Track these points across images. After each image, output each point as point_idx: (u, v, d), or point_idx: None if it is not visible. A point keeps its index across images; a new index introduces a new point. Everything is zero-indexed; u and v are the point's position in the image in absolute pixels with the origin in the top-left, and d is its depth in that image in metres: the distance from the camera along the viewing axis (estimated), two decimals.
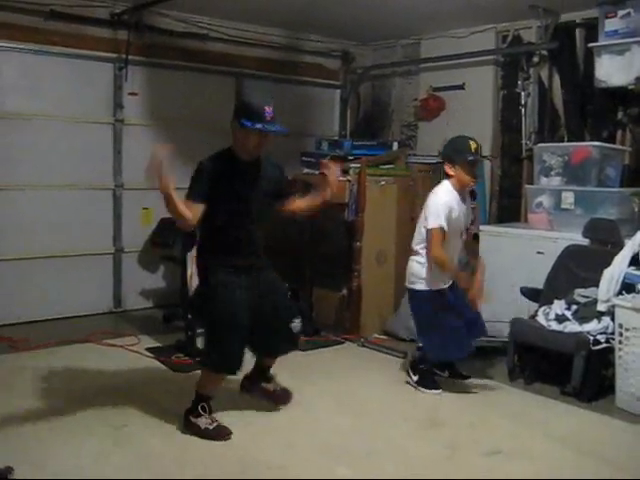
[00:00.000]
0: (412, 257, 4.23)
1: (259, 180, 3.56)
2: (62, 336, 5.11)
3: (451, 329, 4.12)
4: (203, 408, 3.51)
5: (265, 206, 3.61)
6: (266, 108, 3.42)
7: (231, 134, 3.61)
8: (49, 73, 5.56)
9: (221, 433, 3.46)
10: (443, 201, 4.05)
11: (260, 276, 3.60)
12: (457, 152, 4.10)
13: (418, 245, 4.20)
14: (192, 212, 3.39)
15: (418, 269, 4.17)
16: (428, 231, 4.03)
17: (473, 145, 4.08)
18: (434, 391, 4.24)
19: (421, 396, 4.22)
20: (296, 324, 3.74)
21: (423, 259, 4.14)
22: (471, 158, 4.06)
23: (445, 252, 4.05)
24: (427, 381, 4.29)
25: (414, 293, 4.23)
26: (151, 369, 4.57)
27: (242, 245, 3.53)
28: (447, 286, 4.19)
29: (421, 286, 4.16)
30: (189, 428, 3.50)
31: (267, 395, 3.93)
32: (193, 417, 3.52)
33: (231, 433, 3.47)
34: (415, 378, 4.31)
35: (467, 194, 4.30)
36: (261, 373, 3.94)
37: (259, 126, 3.40)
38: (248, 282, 3.51)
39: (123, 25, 5.72)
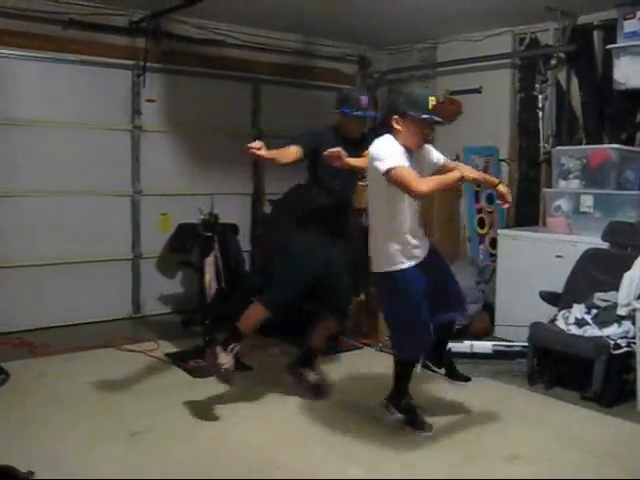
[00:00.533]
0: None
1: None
2: (81, 341, 5.15)
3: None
4: (226, 344, 3.88)
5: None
6: (362, 98, 3.97)
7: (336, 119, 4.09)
8: (68, 81, 5.62)
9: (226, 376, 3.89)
10: (393, 147, 3.40)
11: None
12: (410, 105, 3.41)
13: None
14: (289, 151, 3.76)
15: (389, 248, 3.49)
16: (388, 176, 3.28)
17: (432, 102, 3.39)
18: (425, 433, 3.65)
19: (438, 400, 4.18)
20: None
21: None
22: (425, 117, 3.37)
23: (401, 222, 3.44)
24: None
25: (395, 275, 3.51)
26: (170, 374, 4.59)
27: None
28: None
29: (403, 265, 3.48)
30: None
31: (303, 383, 4.15)
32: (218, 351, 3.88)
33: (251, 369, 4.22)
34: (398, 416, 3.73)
35: (421, 159, 3.55)
36: (308, 357, 4.20)
37: (358, 113, 3.94)
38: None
39: (141, 32, 5.78)
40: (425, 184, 3.24)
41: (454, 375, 3.92)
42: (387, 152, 3.33)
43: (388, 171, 3.26)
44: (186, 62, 6.13)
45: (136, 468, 3.19)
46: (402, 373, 3.71)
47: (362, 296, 5.46)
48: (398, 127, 3.43)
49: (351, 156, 3.79)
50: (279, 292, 3.91)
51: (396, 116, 3.44)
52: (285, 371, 4.25)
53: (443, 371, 3.87)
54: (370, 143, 3.61)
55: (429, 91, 3.63)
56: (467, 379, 3.95)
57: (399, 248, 3.43)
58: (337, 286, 4.04)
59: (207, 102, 6.31)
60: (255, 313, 3.93)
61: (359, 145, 3.89)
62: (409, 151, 3.43)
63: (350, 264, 4.12)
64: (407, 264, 3.44)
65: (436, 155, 3.67)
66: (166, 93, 6.10)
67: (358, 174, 4.00)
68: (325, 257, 3.94)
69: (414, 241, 3.47)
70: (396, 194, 3.33)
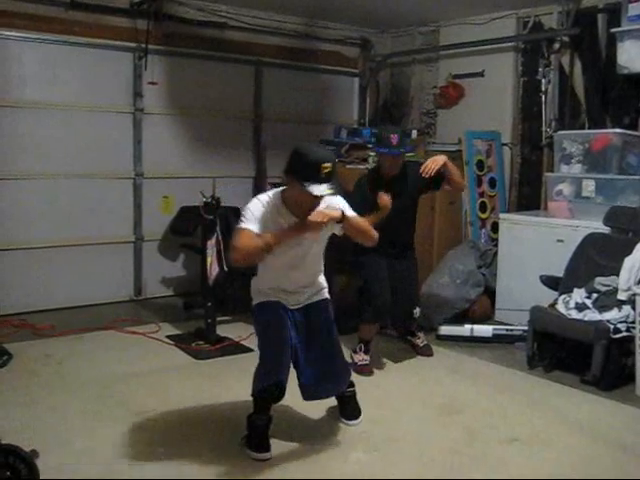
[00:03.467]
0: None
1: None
2: (84, 324, 5.18)
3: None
4: (360, 348, 4.43)
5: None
6: (392, 136, 4.18)
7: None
8: (69, 63, 5.60)
9: (363, 370, 4.30)
10: (256, 207, 3.11)
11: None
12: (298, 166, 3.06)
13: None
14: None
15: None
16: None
17: (325, 168, 2.96)
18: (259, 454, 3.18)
19: (439, 383, 4.22)
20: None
21: None
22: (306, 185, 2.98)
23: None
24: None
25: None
26: (171, 356, 4.62)
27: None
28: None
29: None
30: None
31: (412, 346, 4.78)
32: (353, 353, 4.42)
33: (372, 373, 4.32)
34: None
35: None
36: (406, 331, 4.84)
37: (388, 150, 4.21)
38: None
39: (143, 14, 5.75)
40: (236, 252, 2.98)
41: (346, 414, 3.60)
42: (246, 210, 3.07)
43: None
44: (188, 44, 6.11)
45: (139, 448, 3.22)
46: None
47: (362, 282, 5.41)
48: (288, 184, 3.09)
49: (392, 191, 4.10)
50: (379, 302, 4.34)
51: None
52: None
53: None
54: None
55: (325, 153, 3.09)
56: (355, 417, 3.59)
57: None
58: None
59: (209, 85, 6.30)
60: (368, 327, 4.48)
61: (399, 181, 4.32)
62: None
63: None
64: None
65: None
66: (168, 75, 6.08)
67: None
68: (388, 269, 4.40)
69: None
70: None
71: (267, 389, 3.15)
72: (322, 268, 3.40)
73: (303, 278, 3.29)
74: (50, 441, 3.20)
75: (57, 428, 3.39)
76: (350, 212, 3.22)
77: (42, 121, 5.51)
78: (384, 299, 4.34)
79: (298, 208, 3.06)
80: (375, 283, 4.36)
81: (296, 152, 3.02)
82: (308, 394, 3.30)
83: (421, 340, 4.80)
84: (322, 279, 3.41)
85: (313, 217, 2.99)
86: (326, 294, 3.42)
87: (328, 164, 2.96)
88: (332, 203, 3.17)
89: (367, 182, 4.35)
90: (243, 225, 3.02)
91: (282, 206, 3.10)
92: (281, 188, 3.15)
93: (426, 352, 4.76)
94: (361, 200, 3.96)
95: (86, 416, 3.56)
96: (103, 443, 3.26)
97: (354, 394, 3.63)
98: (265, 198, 3.12)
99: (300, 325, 3.28)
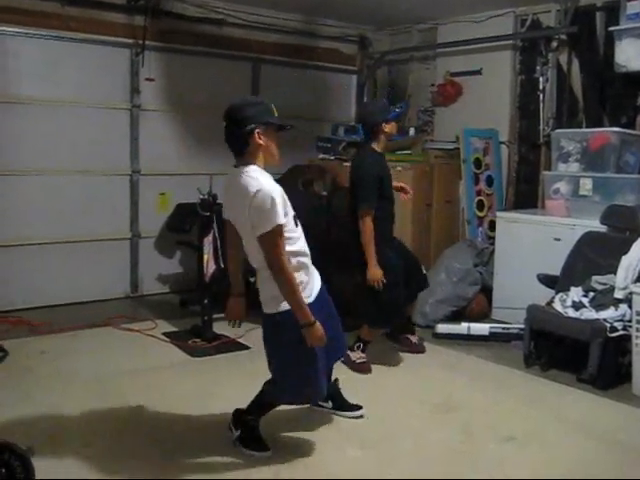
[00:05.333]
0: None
1: None
2: (80, 320, 5.17)
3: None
4: (359, 346, 4.38)
5: None
6: (384, 100, 4.54)
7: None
8: (66, 59, 5.58)
9: (363, 368, 4.30)
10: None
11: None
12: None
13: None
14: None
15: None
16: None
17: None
18: (261, 453, 3.17)
19: (436, 381, 4.22)
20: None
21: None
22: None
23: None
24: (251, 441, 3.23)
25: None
26: (168, 353, 4.61)
27: None
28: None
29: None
30: (346, 360, 4.22)
31: (409, 345, 4.73)
32: (350, 351, 4.27)
33: (370, 371, 4.30)
34: (237, 433, 3.23)
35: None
36: (406, 325, 4.78)
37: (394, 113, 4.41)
38: None
39: (140, 10, 5.73)
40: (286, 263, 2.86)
41: (343, 407, 3.62)
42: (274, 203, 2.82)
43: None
44: (185, 41, 6.09)
45: (136, 446, 3.22)
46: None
47: (359, 279, 5.40)
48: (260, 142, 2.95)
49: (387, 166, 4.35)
50: (389, 316, 4.35)
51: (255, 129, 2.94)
52: (390, 339, 4.80)
53: (330, 404, 3.60)
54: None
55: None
56: (358, 408, 3.62)
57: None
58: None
59: (206, 81, 6.28)
60: (371, 331, 4.44)
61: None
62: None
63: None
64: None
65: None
66: (165, 72, 6.06)
67: None
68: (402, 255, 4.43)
69: None
70: None
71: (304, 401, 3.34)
72: None
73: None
74: (46, 438, 3.19)
75: (53, 425, 3.39)
76: None
77: (38, 117, 5.49)
78: (400, 304, 4.35)
79: (272, 158, 3.02)
80: (396, 289, 4.21)
81: (239, 106, 2.97)
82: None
83: (416, 337, 4.81)
84: None
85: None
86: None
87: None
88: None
89: (376, 164, 4.28)
90: (281, 221, 2.81)
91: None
92: (250, 166, 2.92)
93: (420, 349, 4.75)
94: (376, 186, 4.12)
95: (82, 413, 3.54)
96: (99, 440, 3.25)
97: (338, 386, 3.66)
98: (263, 177, 2.91)
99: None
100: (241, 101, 3.03)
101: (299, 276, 2.95)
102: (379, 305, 4.22)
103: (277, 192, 2.86)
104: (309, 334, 2.87)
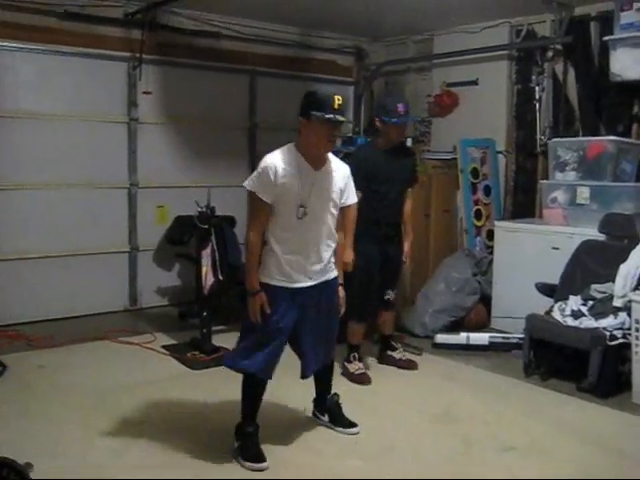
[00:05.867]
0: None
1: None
2: (79, 334, 5.16)
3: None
4: (354, 357, 4.39)
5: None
6: (399, 105, 4.18)
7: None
8: (64, 73, 5.60)
9: (363, 379, 4.27)
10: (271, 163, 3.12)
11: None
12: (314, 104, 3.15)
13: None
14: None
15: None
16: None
17: (338, 100, 3.10)
18: (259, 465, 3.15)
19: (436, 391, 4.21)
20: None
21: None
22: (329, 116, 3.07)
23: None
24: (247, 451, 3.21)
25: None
26: (167, 366, 4.60)
27: None
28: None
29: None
30: (344, 372, 4.33)
31: (395, 363, 4.62)
32: (347, 363, 4.37)
33: (370, 382, 4.26)
34: (236, 445, 3.26)
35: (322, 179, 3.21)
36: (385, 344, 4.71)
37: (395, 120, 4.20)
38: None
39: (137, 24, 5.76)
40: (253, 234, 3.12)
41: (338, 422, 3.59)
42: (260, 170, 3.11)
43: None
44: (182, 54, 6.12)
45: (135, 460, 3.20)
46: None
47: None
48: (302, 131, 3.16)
49: (392, 165, 4.26)
50: (364, 305, 4.30)
51: (301, 118, 3.15)
52: (381, 362, 4.70)
53: (326, 418, 3.61)
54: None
55: (334, 89, 3.29)
56: (353, 425, 3.57)
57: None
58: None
59: (203, 94, 6.30)
60: (356, 330, 4.43)
61: (399, 153, 4.35)
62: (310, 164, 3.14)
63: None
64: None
65: (347, 189, 3.35)
66: (162, 85, 6.08)
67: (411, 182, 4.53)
68: (381, 257, 4.36)
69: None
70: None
71: (256, 380, 3.25)
72: (335, 241, 3.33)
73: (318, 250, 3.22)
74: (44, 452, 3.17)
75: (51, 439, 3.37)
76: (353, 199, 3.42)
77: (36, 131, 5.50)
78: (371, 301, 4.33)
79: (313, 149, 3.14)
80: (367, 283, 4.25)
81: (308, 93, 3.20)
82: (307, 373, 3.37)
83: (400, 353, 4.67)
84: (332, 255, 3.33)
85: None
86: (336, 271, 3.38)
87: (339, 96, 3.11)
88: (346, 171, 3.34)
89: (367, 155, 4.33)
90: (260, 195, 3.08)
91: (296, 152, 3.15)
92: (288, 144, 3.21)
93: (409, 365, 4.61)
94: (360, 177, 3.90)
95: (81, 427, 3.53)
96: (98, 454, 3.24)
97: (338, 401, 3.63)
98: (278, 152, 3.16)
99: (309, 306, 3.23)
100: (307, 91, 3.23)
101: (265, 258, 3.17)
102: (353, 293, 3.98)
103: (270, 165, 3.07)
104: (249, 302, 3.12)
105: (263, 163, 3.11)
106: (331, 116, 3.04)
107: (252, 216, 3.18)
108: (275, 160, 3.10)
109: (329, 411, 3.61)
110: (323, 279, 3.27)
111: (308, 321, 3.24)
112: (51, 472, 2.97)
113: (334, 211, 3.26)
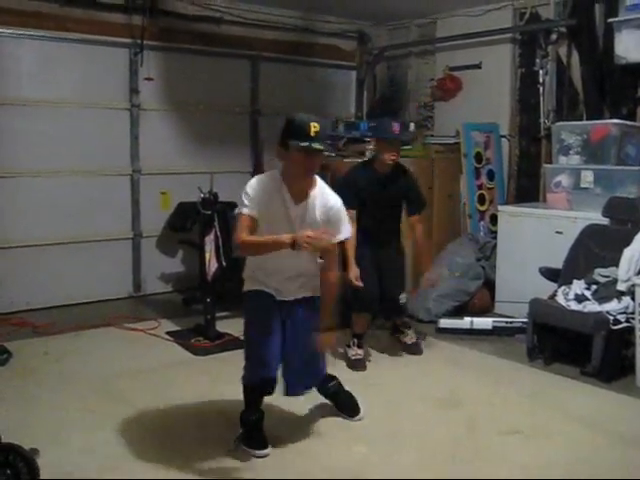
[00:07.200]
0: None
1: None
2: (83, 321, 5.18)
3: None
4: (354, 342, 4.42)
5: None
6: (394, 124, 4.28)
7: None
8: (65, 59, 5.58)
9: (356, 365, 4.31)
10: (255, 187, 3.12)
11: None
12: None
13: None
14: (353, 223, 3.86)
15: None
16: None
17: (314, 127, 2.99)
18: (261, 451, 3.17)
19: (440, 376, 4.22)
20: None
21: None
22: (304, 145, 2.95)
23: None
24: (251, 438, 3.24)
25: None
26: (171, 352, 4.62)
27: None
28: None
29: None
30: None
31: (401, 345, 4.69)
32: (347, 347, 4.43)
33: (365, 369, 4.31)
34: (240, 431, 3.27)
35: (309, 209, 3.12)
36: (394, 327, 4.80)
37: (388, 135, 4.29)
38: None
39: (138, 10, 5.72)
40: (243, 236, 3.02)
41: (343, 407, 3.59)
42: (244, 192, 3.08)
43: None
44: (184, 40, 6.09)
45: (139, 446, 3.21)
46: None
47: None
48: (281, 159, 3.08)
49: (386, 183, 4.32)
50: (362, 297, 4.33)
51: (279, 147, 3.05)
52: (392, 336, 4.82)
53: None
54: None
55: (312, 116, 3.08)
56: (357, 411, 3.57)
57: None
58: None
59: (206, 80, 6.27)
60: (356, 320, 4.47)
61: (393, 176, 4.35)
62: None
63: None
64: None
65: (333, 224, 3.14)
66: (164, 71, 6.06)
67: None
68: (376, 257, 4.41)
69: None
70: None
71: (259, 385, 3.18)
72: (317, 259, 3.27)
73: (298, 265, 3.16)
74: (50, 439, 3.19)
75: (57, 426, 3.39)
76: (342, 235, 3.22)
77: (38, 118, 5.49)
78: (370, 290, 4.28)
79: (295, 178, 3.05)
80: (362, 275, 4.25)
81: (286, 120, 3.07)
82: (290, 390, 3.27)
83: (409, 337, 4.69)
84: (317, 272, 3.26)
85: (306, 238, 2.85)
86: (318, 290, 3.27)
87: (316, 124, 2.98)
88: (329, 202, 3.13)
89: (360, 176, 4.36)
90: (245, 210, 3.04)
91: (281, 182, 3.07)
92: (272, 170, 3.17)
93: (414, 350, 4.63)
94: (351, 196, 4.00)
95: (86, 413, 3.55)
96: (103, 440, 3.25)
97: (340, 387, 3.59)
98: (263, 177, 3.15)
99: (288, 320, 3.20)
100: (286, 118, 3.10)
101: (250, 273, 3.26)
102: (354, 290, 4.24)
103: (251, 186, 3.06)
104: (297, 241, 2.87)
105: (249, 187, 3.08)
106: (306, 144, 2.90)
107: (238, 229, 3.06)
108: (257, 183, 3.10)
109: (332, 397, 3.60)
110: (299, 296, 3.22)
111: (288, 329, 3.20)
112: (56, 458, 2.99)
113: None
